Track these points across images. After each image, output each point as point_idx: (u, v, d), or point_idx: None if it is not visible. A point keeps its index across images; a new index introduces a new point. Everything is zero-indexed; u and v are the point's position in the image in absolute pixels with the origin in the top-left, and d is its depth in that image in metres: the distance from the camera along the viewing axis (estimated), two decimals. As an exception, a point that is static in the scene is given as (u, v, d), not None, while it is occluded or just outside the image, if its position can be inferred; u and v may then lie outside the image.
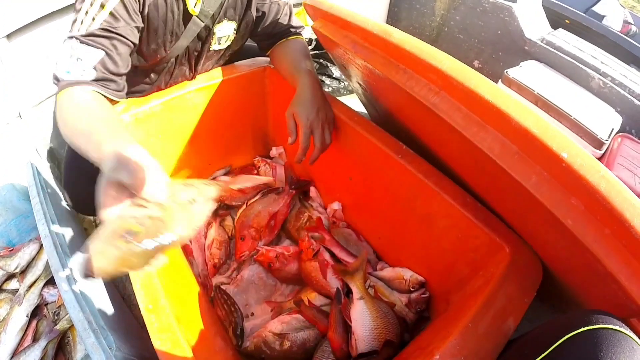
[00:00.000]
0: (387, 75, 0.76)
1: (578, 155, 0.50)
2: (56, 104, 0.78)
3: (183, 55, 1.04)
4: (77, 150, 0.69)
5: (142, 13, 0.85)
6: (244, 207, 1.21)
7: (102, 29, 0.79)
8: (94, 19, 0.78)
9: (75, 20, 0.80)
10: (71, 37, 0.78)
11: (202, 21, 0.95)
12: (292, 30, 1.16)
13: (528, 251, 0.73)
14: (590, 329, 0.49)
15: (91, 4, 0.78)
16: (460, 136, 0.64)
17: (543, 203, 0.56)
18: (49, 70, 0.81)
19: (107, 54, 0.80)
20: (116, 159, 0.54)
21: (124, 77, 0.87)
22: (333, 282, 1.02)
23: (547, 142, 0.52)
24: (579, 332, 0.49)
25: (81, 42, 0.77)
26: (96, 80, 0.80)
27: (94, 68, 0.79)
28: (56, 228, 0.96)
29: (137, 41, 0.87)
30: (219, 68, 1.16)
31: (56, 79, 0.78)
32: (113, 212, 0.51)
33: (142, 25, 0.86)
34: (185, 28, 0.95)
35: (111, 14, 0.79)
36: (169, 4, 0.88)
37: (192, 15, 0.93)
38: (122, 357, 0.74)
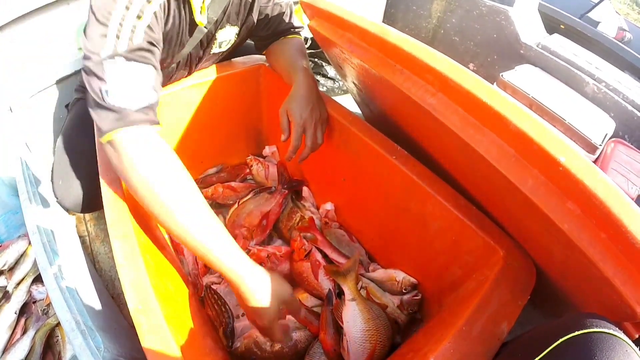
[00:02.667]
0: (383, 75, 0.76)
1: (575, 159, 0.50)
2: (122, 152, 0.67)
3: (185, 60, 1.03)
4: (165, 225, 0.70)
5: (165, 24, 0.81)
6: (236, 206, 1.20)
7: (147, 41, 0.70)
8: (133, 30, 0.68)
9: (105, 35, 0.67)
10: (112, 57, 0.66)
11: (205, 28, 0.93)
12: (292, 30, 1.15)
13: (522, 254, 0.73)
14: (584, 333, 0.48)
15: (123, 17, 0.67)
16: (457, 138, 0.64)
17: (539, 206, 0.56)
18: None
19: (154, 68, 0.72)
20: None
21: None
22: (324, 283, 1.01)
23: (544, 146, 0.52)
24: (573, 336, 0.49)
25: (128, 59, 0.67)
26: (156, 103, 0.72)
27: (154, 88, 0.71)
28: (45, 224, 0.94)
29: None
30: (214, 65, 1.15)
31: (117, 110, 0.66)
32: None
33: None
34: (190, 37, 0.93)
35: (149, 26, 0.71)
36: (180, 14, 0.85)
37: (197, 25, 0.90)
38: (110, 358, 0.73)
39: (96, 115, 0.68)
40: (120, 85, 0.66)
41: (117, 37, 0.67)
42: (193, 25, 0.90)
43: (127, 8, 0.67)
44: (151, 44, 0.71)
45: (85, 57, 0.67)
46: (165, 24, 0.81)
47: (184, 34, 0.91)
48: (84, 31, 0.69)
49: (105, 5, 0.66)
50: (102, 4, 0.67)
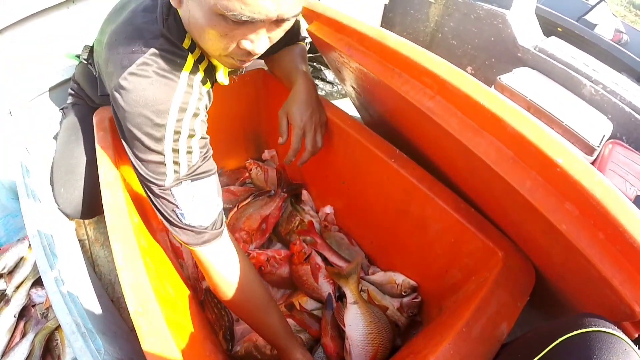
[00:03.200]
0: (381, 79, 0.76)
1: (573, 160, 0.50)
2: (205, 263, 0.75)
3: None
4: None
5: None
6: (235, 209, 1.21)
7: (203, 155, 0.72)
8: (190, 152, 0.69)
9: (163, 163, 0.67)
10: (178, 184, 0.69)
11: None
12: (295, 39, 1.14)
13: (521, 256, 0.73)
14: (583, 332, 0.48)
15: (176, 141, 0.67)
16: (455, 141, 0.64)
17: (537, 208, 0.56)
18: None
19: (215, 172, 0.74)
20: None
21: None
22: (324, 286, 1.01)
23: (542, 148, 0.52)
24: (571, 335, 0.49)
25: (192, 180, 0.70)
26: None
27: (218, 194, 0.75)
28: (44, 228, 0.94)
29: None
30: (213, 69, 1.15)
31: (193, 230, 0.71)
32: None
33: None
34: None
35: (202, 137, 0.72)
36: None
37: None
38: (110, 361, 0.73)
39: (176, 232, 0.72)
40: (192, 207, 0.70)
41: (177, 163, 0.68)
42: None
43: (177, 133, 0.67)
44: (206, 150, 0.73)
45: (149, 181, 0.69)
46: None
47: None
48: (134, 153, 0.69)
49: (152, 131, 0.66)
50: (148, 131, 0.66)
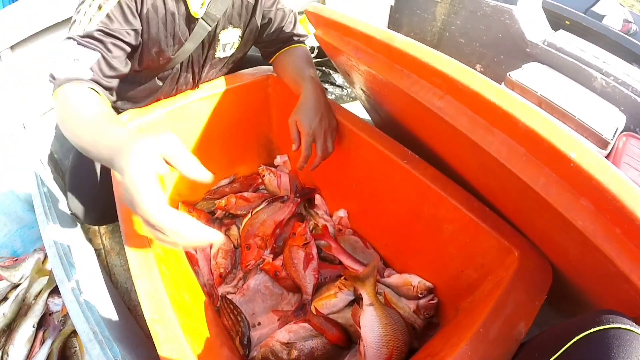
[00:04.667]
0: (390, 80, 0.76)
1: (587, 155, 0.50)
2: (55, 102, 0.78)
3: (187, 62, 1.04)
4: (77, 146, 0.72)
5: (140, 15, 0.85)
6: (249, 216, 1.21)
7: (99, 30, 0.79)
8: (90, 20, 0.79)
9: (74, 22, 0.80)
10: (69, 38, 0.78)
11: (209, 25, 0.95)
12: (296, 38, 1.16)
13: (537, 254, 0.72)
14: (601, 329, 0.48)
15: (89, 5, 0.79)
16: (467, 139, 0.64)
17: (552, 205, 0.55)
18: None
19: (102, 56, 0.80)
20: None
21: (117, 81, 0.87)
22: (308, 277, 1.03)
23: (555, 143, 0.51)
24: (589, 333, 0.48)
25: (78, 43, 0.78)
26: (91, 80, 0.80)
27: (90, 69, 0.79)
28: (60, 238, 0.96)
29: (135, 43, 0.87)
30: (222, 77, 1.17)
31: (52, 77, 0.78)
32: None
33: (141, 27, 0.86)
34: (190, 32, 0.94)
35: (107, 15, 0.79)
36: (168, 6, 0.88)
37: (195, 19, 0.92)
38: (127, 368, 0.73)
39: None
40: (62, 63, 0.77)
41: (79, 23, 0.79)
42: (190, 18, 0.92)
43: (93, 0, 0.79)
44: (105, 33, 0.80)
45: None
46: (150, 13, 0.86)
47: (180, 28, 0.92)
48: None
49: None
50: None
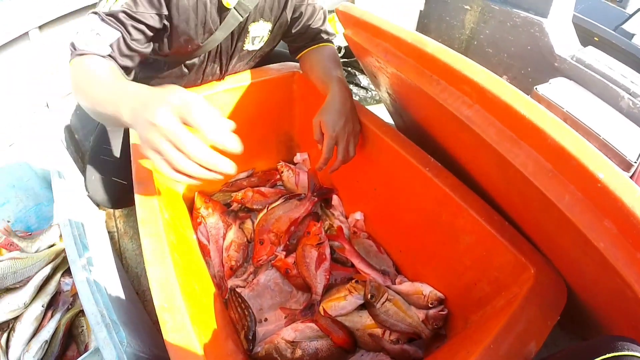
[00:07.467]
0: (419, 85, 0.75)
1: (615, 176, 0.49)
2: (70, 69, 0.79)
3: (216, 52, 1.04)
4: (90, 109, 0.75)
5: (168, 1, 0.85)
6: (265, 211, 1.20)
7: (123, 12, 0.80)
8: (116, 0, 0.81)
9: None
10: (95, 13, 0.81)
11: (240, 15, 0.95)
12: (324, 36, 1.15)
13: (553, 272, 0.70)
14: (614, 356, 0.46)
15: None
16: (492, 151, 0.63)
17: (575, 223, 0.54)
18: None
19: (122, 36, 0.81)
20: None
21: (136, 61, 0.88)
22: (319, 278, 1.02)
23: (583, 162, 0.51)
24: (602, 359, 0.47)
25: (102, 19, 0.80)
26: (109, 56, 0.81)
27: (110, 46, 0.81)
28: (76, 218, 0.97)
29: (158, 26, 0.87)
30: (248, 70, 1.17)
31: (73, 47, 0.79)
32: None
33: (167, 12, 0.86)
34: (221, 21, 0.95)
35: (134, 0, 0.81)
36: None
37: (228, 8, 0.92)
38: (132, 354, 0.74)
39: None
40: (84, 35, 0.79)
41: (107, 0, 0.81)
42: (222, 8, 0.92)
43: None
44: (129, 15, 0.81)
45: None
46: (181, 0, 0.87)
47: (211, 16, 0.93)
48: None
49: None
50: None
